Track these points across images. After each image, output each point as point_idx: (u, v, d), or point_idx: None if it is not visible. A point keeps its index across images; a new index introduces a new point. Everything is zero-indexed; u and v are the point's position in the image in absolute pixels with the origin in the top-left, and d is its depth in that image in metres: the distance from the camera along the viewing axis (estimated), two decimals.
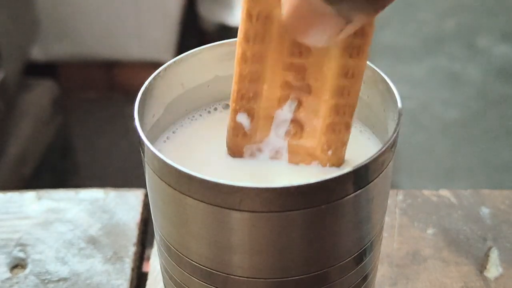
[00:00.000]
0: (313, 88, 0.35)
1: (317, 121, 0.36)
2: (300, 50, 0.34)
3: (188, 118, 0.41)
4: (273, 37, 0.34)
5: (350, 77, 0.34)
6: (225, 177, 0.31)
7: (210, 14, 1.77)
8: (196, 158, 0.38)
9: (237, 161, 0.37)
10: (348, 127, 0.36)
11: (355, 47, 0.33)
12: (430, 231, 0.52)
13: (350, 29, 0.28)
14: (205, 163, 0.38)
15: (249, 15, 0.33)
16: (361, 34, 0.33)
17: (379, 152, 0.32)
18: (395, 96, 0.36)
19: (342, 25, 0.27)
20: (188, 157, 0.38)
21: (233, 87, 0.36)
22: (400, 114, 0.35)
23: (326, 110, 0.35)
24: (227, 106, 0.41)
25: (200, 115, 0.41)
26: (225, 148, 0.38)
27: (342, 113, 0.35)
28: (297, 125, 0.37)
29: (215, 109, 0.41)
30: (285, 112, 0.36)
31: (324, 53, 0.34)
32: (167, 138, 0.40)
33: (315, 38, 0.28)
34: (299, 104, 0.36)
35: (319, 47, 0.33)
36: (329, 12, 0.26)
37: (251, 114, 0.36)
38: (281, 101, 0.36)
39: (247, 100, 0.36)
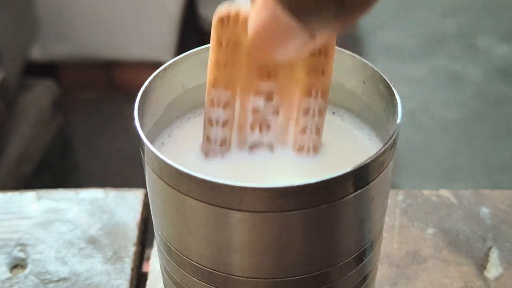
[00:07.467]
0: (280, 109, 0.37)
1: (287, 138, 0.38)
2: (268, 73, 0.36)
3: (188, 118, 0.41)
4: (242, 63, 0.36)
5: (314, 97, 0.36)
6: (224, 175, 0.31)
7: (210, 14, 1.77)
8: (196, 157, 0.38)
9: (236, 160, 0.37)
10: (316, 148, 0.38)
11: (319, 66, 0.36)
12: (430, 231, 0.52)
13: (313, 44, 0.30)
14: (204, 162, 0.38)
15: (219, 42, 0.35)
16: (324, 54, 0.36)
17: (379, 152, 0.32)
18: (395, 96, 0.36)
19: (306, 40, 0.29)
20: (188, 157, 0.38)
21: (205, 111, 0.37)
22: (400, 114, 0.35)
23: (295, 130, 0.38)
24: None
25: (200, 114, 0.41)
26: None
27: (309, 132, 0.37)
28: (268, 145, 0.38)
29: None
30: (255, 136, 0.38)
31: (290, 75, 0.36)
32: (168, 137, 0.40)
33: (279, 54, 0.31)
34: (267, 127, 0.38)
35: (283, 64, 0.36)
36: (294, 27, 0.29)
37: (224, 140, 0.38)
38: (252, 126, 0.38)
39: (216, 124, 0.37)
